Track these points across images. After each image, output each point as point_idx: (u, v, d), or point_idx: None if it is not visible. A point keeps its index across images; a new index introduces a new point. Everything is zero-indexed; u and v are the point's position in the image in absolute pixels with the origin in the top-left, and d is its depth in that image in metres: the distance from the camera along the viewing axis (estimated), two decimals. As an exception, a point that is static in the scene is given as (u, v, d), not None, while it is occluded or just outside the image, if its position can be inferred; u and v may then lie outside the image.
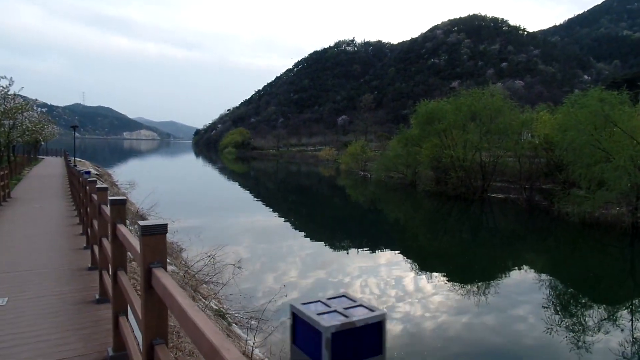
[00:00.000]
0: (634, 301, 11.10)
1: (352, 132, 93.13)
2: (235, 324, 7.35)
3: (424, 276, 12.27)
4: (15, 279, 5.72)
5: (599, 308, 10.33)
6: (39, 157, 47.71)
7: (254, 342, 6.18)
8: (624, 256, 16.15)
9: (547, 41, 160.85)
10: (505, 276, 12.75)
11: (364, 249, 15.77)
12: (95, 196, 5.15)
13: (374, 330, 0.68)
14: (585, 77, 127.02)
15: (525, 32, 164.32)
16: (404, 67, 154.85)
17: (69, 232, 8.97)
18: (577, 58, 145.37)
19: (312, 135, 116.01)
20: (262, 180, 49.96)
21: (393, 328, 8.15)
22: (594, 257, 15.94)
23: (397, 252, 15.23)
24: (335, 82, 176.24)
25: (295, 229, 19.69)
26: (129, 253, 3.53)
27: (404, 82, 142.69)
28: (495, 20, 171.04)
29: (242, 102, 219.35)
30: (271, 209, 25.67)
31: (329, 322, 0.66)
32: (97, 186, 5.11)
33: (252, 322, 7.33)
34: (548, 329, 8.48)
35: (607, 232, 18.20)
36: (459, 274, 12.73)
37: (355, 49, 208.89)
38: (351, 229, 20.35)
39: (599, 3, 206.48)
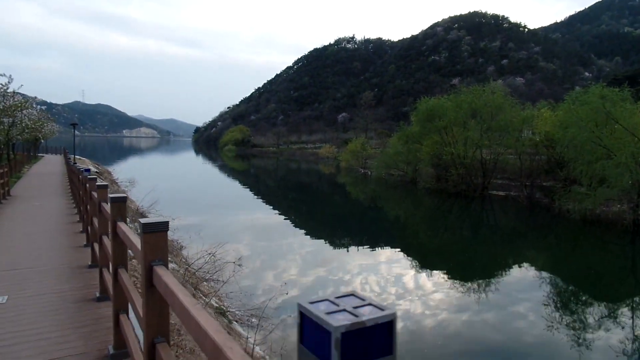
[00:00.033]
0: (634, 299, 11.10)
1: (353, 129, 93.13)
2: (236, 321, 7.35)
3: (424, 274, 12.26)
4: (15, 277, 5.70)
5: (599, 306, 10.33)
6: (39, 155, 47.70)
7: (254, 340, 6.18)
8: (625, 253, 16.15)
9: (548, 38, 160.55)
10: (505, 274, 12.74)
11: (364, 246, 15.76)
12: (95, 194, 5.13)
13: (384, 330, 0.66)
14: (586, 74, 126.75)
15: (526, 29, 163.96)
16: (404, 65, 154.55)
17: (69, 229, 8.96)
18: (578, 55, 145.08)
19: (312, 133, 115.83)
20: (262, 177, 49.94)
21: (394, 325, 8.13)
22: (595, 254, 15.93)
23: (397, 249, 15.22)
24: (335, 80, 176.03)
25: (296, 226, 19.68)
26: (129, 251, 3.52)
27: (404, 79, 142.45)
28: (495, 17, 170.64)
29: (242, 100, 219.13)
30: (271, 207, 25.66)
31: (339, 321, 0.64)
32: (97, 184, 5.09)
33: (253, 320, 7.33)
34: (548, 326, 8.48)
35: (608, 229, 18.18)
36: (459, 272, 12.72)
37: (356, 46, 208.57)
38: (351, 227, 20.35)
39: (600, 0, 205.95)
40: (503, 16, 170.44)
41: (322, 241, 16.42)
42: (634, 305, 10.44)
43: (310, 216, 23.64)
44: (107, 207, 3.98)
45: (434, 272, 12.37)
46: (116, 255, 3.54)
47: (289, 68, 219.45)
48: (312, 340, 0.68)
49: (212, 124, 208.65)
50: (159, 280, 2.01)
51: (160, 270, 2.05)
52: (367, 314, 0.67)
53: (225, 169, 60.09)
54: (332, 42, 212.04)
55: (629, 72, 65.64)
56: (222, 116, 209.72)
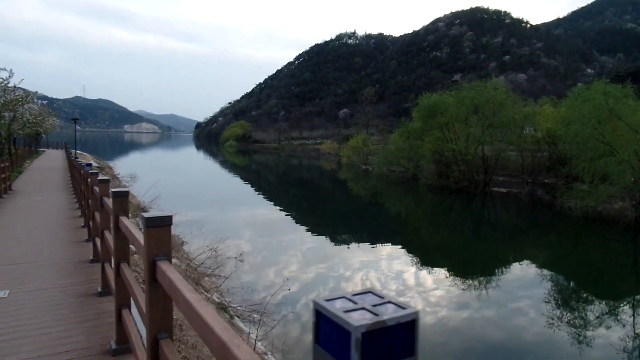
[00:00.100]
0: (636, 296, 11.08)
1: (354, 125, 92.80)
2: (238, 317, 7.34)
3: (425, 270, 12.25)
4: (16, 271, 5.69)
5: (600, 303, 10.31)
6: (40, 149, 47.68)
7: (256, 336, 6.17)
8: (626, 251, 16.12)
9: (550, 34, 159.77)
10: (506, 270, 12.73)
11: (365, 242, 15.76)
12: (97, 188, 5.11)
13: (407, 329, 0.63)
14: (589, 70, 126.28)
15: (528, 25, 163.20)
16: (405, 60, 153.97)
17: (71, 224, 8.95)
18: (581, 51, 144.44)
19: (313, 129, 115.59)
20: (263, 173, 49.91)
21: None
22: (597, 251, 15.90)
23: (398, 246, 15.20)
24: (336, 75, 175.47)
25: (297, 222, 19.67)
26: (131, 246, 3.49)
27: (406, 75, 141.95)
28: (498, 12, 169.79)
29: (243, 95, 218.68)
30: (272, 203, 25.64)
31: (359, 321, 0.60)
32: (99, 178, 5.06)
33: (254, 316, 7.32)
34: (549, 323, 8.47)
35: (610, 226, 18.15)
36: (460, 268, 12.70)
37: (357, 41, 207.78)
38: (352, 223, 20.33)
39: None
40: (505, 12, 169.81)
41: (323, 237, 16.40)
42: (635, 303, 10.43)
43: (311, 212, 23.62)
44: (109, 201, 3.95)
45: (435, 268, 12.35)
46: (118, 250, 3.52)
47: (290, 63, 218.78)
48: (329, 340, 0.64)
49: (213, 119, 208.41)
50: (162, 275, 1.98)
51: (164, 265, 2.02)
52: (388, 313, 0.63)
53: (226, 164, 60.05)
54: (333, 38, 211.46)
55: (632, 68, 65.32)
56: (223, 112, 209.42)
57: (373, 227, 19.12)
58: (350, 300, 0.68)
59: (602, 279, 12.57)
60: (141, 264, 6.12)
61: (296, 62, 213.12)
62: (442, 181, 29.69)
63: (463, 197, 26.85)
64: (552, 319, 8.69)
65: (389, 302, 0.67)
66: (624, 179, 17.42)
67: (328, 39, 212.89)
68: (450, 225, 20.57)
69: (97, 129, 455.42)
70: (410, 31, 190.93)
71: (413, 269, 12.31)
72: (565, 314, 9.32)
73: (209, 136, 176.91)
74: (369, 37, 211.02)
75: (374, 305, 0.65)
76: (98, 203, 4.97)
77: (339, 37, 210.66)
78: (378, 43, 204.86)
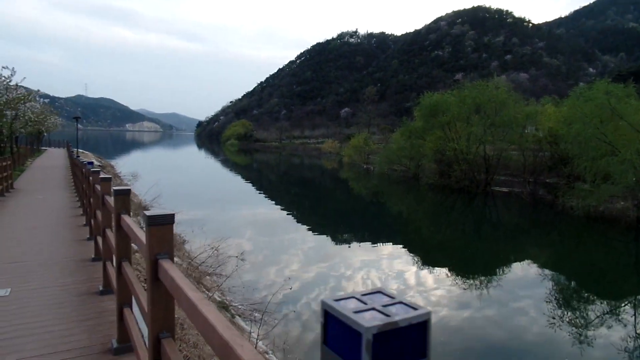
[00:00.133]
0: (637, 296, 11.05)
1: (355, 124, 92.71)
2: (239, 316, 7.33)
3: (426, 269, 12.23)
4: (18, 270, 5.69)
5: (602, 303, 10.28)
6: (42, 148, 47.73)
7: (257, 335, 6.16)
8: (628, 250, 16.08)
9: (552, 33, 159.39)
10: (508, 270, 12.70)
11: (367, 242, 15.74)
12: (98, 187, 5.10)
13: (419, 330, 0.61)
14: (591, 69, 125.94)
15: (530, 24, 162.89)
16: (407, 59, 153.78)
17: (72, 223, 8.95)
18: (583, 50, 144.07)
19: (314, 128, 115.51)
20: (264, 172, 49.91)
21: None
22: (598, 251, 15.87)
23: (399, 245, 15.18)
24: (338, 74, 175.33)
25: (298, 221, 19.66)
26: (133, 244, 3.48)
27: (407, 74, 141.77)
28: (499, 11, 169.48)
29: (244, 94, 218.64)
30: (274, 202, 25.64)
31: (371, 322, 0.58)
32: (100, 177, 5.05)
33: (256, 315, 7.31)
34: (551, 323, 8.44)
35: (612, 226, 18.11)
36: (461, 268, 12.68)
37: (358, 40, 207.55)
38: (354, 222, 20.32)
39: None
40: (507, 11, 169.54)
41: (324, 236, 16.40)
42: (637, 303, 10.40)
43: (312, 211, 23.61)
44: (111, 200, 3.94)
45: (436, 268, 12.33)
46: (120, 249, 3.51)
47: (291, 62, 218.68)
48: (339, 341, 0.62)
49: (215, 118, 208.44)
50: (164, 274, 1.97)
51: (166, 264, 2.01)
52: (400, 314, 0.62)
53: (227, 163, 60.07)
54: (335, 37, 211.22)
55: (634, 67, 65.14)
56: (224, 110, 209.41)
57: (374, 227, 19.10)
58: (359, 300, 0.66)
59: (603, 278, 12.54)
60: (143, 262, 6.12)
61: (297, 61, 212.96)
62: (443, 180, 29.64)
63: (464, 197, 26.81)
64: (554, 319, 8.67)
65: (400, 302, 0.65)
66: (626, 178, 17.36)
67: (329, 37, 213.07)
68: (452, 224, 20.54)
69: (99, 127, 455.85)
70: (412, 30, 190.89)
71: (414, 268, 12.30)
72: (566, 313, 9.30)
73: (211, 135, 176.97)
74: (370, 36, 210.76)
75: (385, 306, 0.64)
76: (100, 201, 4.96)
77: (341, 36, 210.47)
78: (380, 42, 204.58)
